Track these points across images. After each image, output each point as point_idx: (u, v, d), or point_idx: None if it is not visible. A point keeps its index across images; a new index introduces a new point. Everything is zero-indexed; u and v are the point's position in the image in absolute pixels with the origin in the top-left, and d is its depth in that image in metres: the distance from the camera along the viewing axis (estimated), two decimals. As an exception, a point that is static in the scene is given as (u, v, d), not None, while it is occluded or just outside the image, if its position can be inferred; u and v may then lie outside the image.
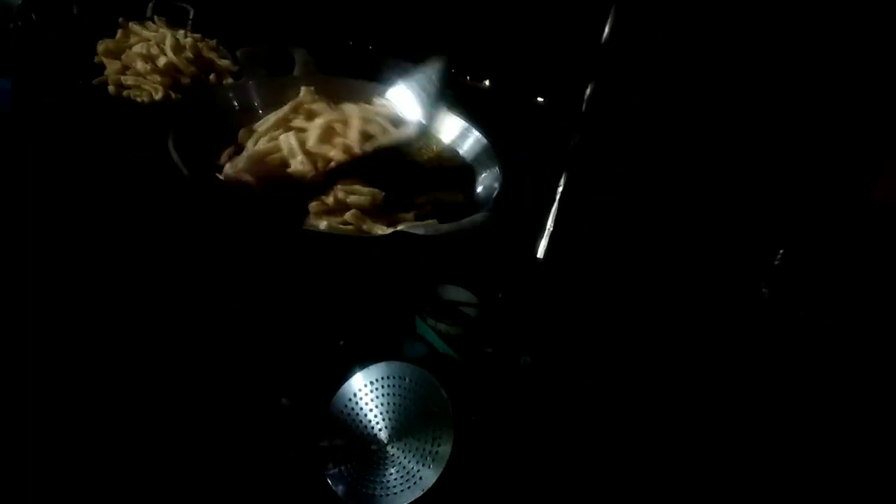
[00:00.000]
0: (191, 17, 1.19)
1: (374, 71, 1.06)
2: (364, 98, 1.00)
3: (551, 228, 0.87)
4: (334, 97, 0.98)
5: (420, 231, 0.70)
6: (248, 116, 0.96)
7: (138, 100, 1.04)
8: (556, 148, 0.97)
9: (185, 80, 1.09)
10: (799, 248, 0.90)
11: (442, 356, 0.71)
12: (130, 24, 1.14)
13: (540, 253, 0.87)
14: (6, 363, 0.65)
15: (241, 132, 0.90)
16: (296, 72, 1.08)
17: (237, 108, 0.99)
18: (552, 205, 0.89)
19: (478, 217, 0.73)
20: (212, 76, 1.11)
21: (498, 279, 0.82)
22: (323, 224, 0.75)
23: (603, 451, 0.68)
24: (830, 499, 0.68)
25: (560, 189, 0.91)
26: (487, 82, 1.14)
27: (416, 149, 0.93)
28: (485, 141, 0.90)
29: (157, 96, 1.05)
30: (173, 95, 1.06)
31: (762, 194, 0.96)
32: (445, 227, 0.72)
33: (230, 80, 1.10)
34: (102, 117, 1.01)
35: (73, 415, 0.63)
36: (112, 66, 1.08)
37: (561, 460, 0.66)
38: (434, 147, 0.94)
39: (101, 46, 1.09)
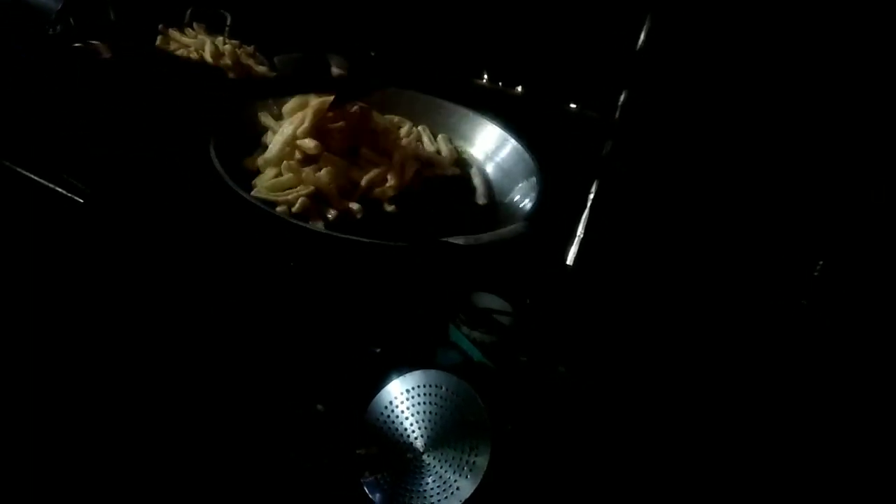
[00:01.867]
0: (228, 23, 1.19)
1: (411, 79, 1.07)
2: (400, 108, 1.02)
3: (581, 235, 0.87)
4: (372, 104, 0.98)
5: (461, 241, 0.70)
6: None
7: None
8: (588, 154, 0.97)
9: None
10: (839, 259, 0.88)
11: (477, 364, 0.71)
12: (170, 30, 1.15)
13: (570, 260, 0.87)
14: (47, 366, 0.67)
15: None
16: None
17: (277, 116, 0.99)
18: (583, 212, 0.89)
19: (518, 227, 0.74)
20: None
21: (529, 286, 0.82)
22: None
23: (640, 461, 0.68)
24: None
25: (591, 196, 0.90)
26: (520, 88, 1.14)
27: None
28: (522, 149, 0.90)
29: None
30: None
31: (801, 202, 0.95)
32: (486, 237, 0.72)
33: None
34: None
35: (103, 421, 0.64)
36: None
37: (597, 471, 0.66)
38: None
39: None
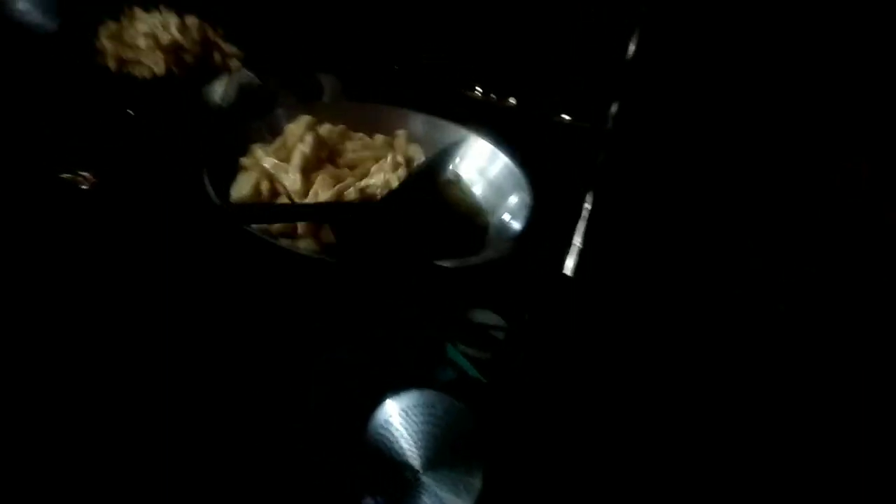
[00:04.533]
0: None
1: (403, 95, 1.06)
2: (394, 125, 0.99)
3: (580, 246, 0.87)
4: (365, 124, 0.98)
5: (448, 264, 0.70)
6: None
7: (138, 75, 1.04)
8: (582, 164, 0.97)
9: (189, 59, 1.07)
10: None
11: (473, 381, 0.71)
12: (136, 9, 1.11)
13: (568, 271, 0.87)
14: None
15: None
16: (325, 98, 1.07)
17: (268, 137, 0.95)
18: (579, 222, 0.89)
19: (505, 246, 0.74)
20: (216, 56, 1.09)
21: (525, 299, 0.82)
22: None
23: (639, 478, 0.67)
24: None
25: (587, 206, 0.90)
26: (513, 100, 1.14)
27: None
28: (512, 166, 0.90)
29: (159, 70, 1.04)
30: (176, 71, 1.05)
31: (791, 211, 0.95)
32: (475, 259, 0.73)
33: (237, 64, 1.09)
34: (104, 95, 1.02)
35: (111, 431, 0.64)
36: (112, 46, 1.06)
37: (593, 486, 0.66)
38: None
39: (103, 30, 1.08)
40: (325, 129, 0.92)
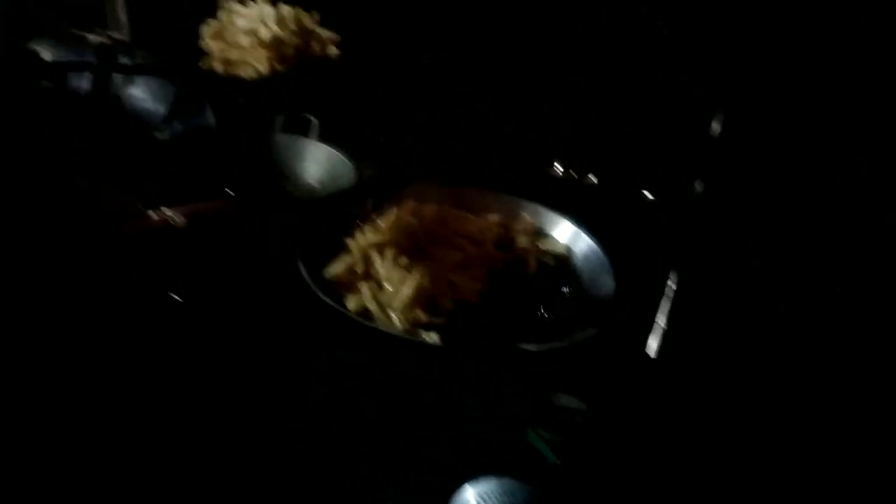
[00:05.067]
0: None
1: (484, 173, 1.09)
2: (481, 207, 0.99)
3: (664, 327, 0.86)
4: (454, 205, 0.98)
5: (533, 348, 0.71)
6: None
7: (245, 76, 1.07)
8: (667, 243, 0.96)
9: (289, 52, 1.09)
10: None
11: (552, 466, 0.70)
12: (232, 2, 1.14)
13: (651, 352, 0.85)
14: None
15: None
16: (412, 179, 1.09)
17: (356, 212, 0.96)
18: (664, 302, 0.88)
19: (589, 330, 0.74)
20: (315, 45, 1.11)
21: (607, 382, 0.80)
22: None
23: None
24: None
25: (671, 285, 0.89)
26: (593, 178, 1.15)
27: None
28: (595, 246, 0.90)
29: (263, 69, 1.07)
30: (278, 67, 1.07)
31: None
32: (559, 343, 0.73)
33: (334, 50, 1.11)
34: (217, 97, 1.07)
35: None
36: (217, 47, 1.09)
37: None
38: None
39: (205, 29, 1.12)
40: (424, 210, 0.93)
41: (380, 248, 0.86)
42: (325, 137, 1.13)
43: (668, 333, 0.85)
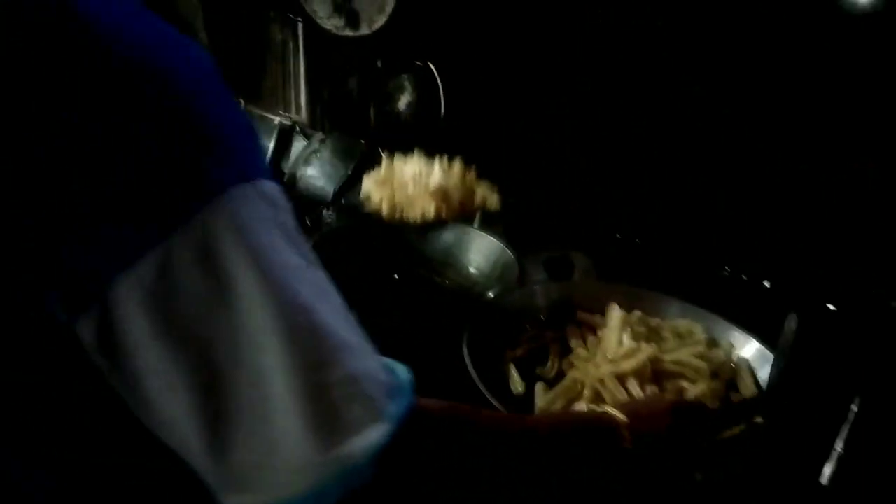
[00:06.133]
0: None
1: (650, 273, 1.08)
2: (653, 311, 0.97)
3: (841, 452, 0.78)
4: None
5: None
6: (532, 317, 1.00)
7: (411, 219, 1.12)
8: (850, 360, 0.88)
9: (454, 204, 1.13)
10: None
11: None
12: (394, 155, 1.19)
13: (825, 479, 0.78)
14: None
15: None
16: (575, 276, 1.12)
17: (524, 310, 1.02)
18: (843, 425, 0.80)
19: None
20: (477, 198, 1.14)
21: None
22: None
23: None
24: None
25: (854, 408, 0.81)
26: (767, 283, 1.09)
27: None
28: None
29: (428, 214, 1.11)
30: (444, 215, 1.11)
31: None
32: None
33: (495, 204, 1.13)
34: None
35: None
36: (381, 193, 1.14)
37: None
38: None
39: (367, 179, 1.17)
40: (635, 323, 0.92)
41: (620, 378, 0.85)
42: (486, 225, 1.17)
43: (845, 460, 0.77)
